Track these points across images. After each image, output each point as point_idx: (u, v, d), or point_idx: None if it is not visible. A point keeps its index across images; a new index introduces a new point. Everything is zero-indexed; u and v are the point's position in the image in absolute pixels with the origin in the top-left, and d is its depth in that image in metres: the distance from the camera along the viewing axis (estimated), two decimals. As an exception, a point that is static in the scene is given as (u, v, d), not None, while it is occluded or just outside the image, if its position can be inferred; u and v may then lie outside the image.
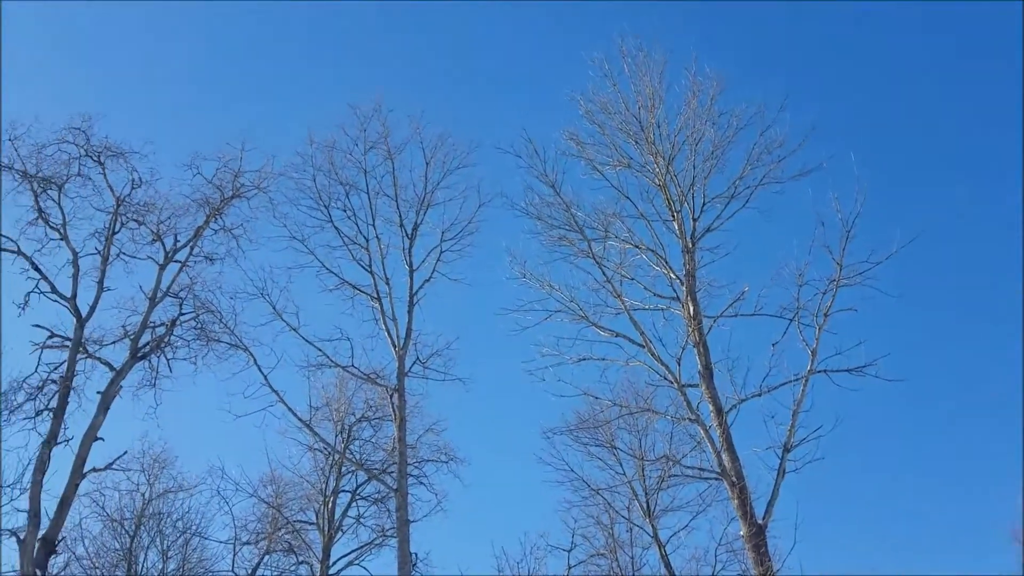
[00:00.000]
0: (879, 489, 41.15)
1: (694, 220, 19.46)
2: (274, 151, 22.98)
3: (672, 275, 19.16)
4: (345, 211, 22.03)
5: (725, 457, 16.69)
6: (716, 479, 17.76)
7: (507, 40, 52.17)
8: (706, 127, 19.66)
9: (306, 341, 20.63)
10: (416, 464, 25.45)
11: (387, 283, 21.72)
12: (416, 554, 20.95)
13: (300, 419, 21.84)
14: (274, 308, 20.48)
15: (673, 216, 19.62)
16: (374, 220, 22.16)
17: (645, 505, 24.07)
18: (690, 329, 18.18)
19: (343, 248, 21.83)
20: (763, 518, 16.01)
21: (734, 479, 16.36)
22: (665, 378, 18.21)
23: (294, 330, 20.51)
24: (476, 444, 45.68)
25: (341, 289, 21.62)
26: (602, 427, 23.33)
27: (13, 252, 20.49)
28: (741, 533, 16.50)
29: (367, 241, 21.93)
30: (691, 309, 18.43)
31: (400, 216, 22.28)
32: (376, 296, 21.48)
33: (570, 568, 25.02)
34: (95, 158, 21.35)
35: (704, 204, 19.54)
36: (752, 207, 19.51)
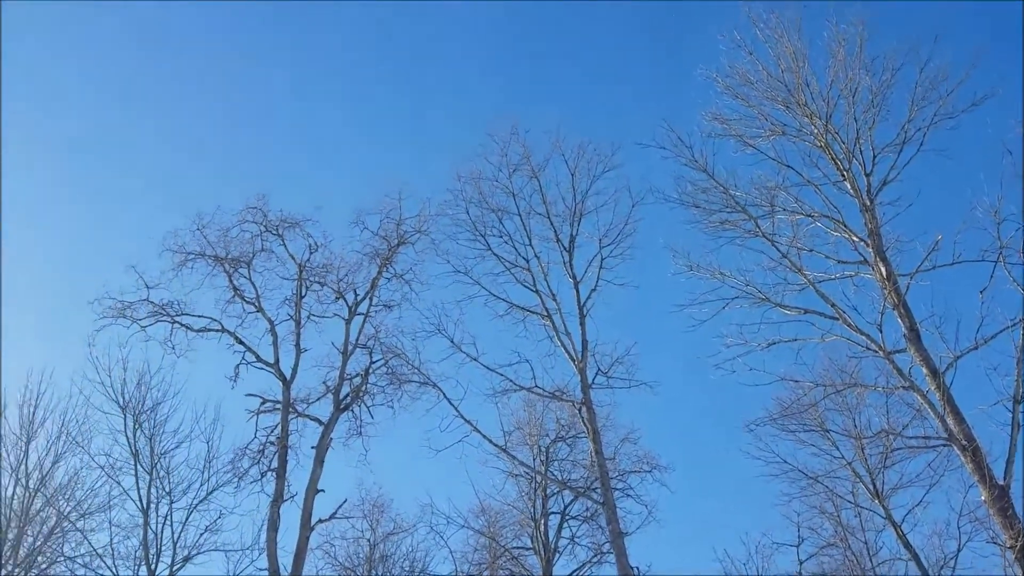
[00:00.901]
0: None
1: (867, 176, 18.26)
2: (427, 192, 23.83)
3: (854, 238, 18.02)
4: (501, 236, 22.42)
5: (950, 421, 15.33)
6: (944, 446, 16.29)
7: (595, 38, 51.16)
8: (859, 75, 18.49)
9: (488, 369, 21.05)
10: (619, 476, 25.30)
11: (554, 299, 21.80)
12: (637, 567, 20.60)
13: (496, 445, 22.25)
14: (452, 342, 21.09)
15: (843, 176, 18.48)
16: (531, 240, 22.41)
17: (871, 486, 22.45)
18: (886, 291, 16.93)
19: (506, 273, 22.18)
20: (1004, 479, 14.57)
21: (964, 442, 14.96)
22: (868, 348, 17.15)
23: (474, 360, 20.99)
24: (676, 448, 44.47)
25: (511, 313, 21.96)
26: (808, 411, 22.03)
27: (218, 330, 22.35)
28: (982, 498, 14.95)
29: (527, 262, 22.17)
30: (883, 270, 17.17)
31: (555, 231, 22.38)
32: (546, 314, 21.57)
33: (801, 564, 23.71)
34: (274, 231, 23.07)
35: (875, 157, 18.34)
36: (928, 149, 18.12)
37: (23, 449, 23.43)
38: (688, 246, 19.46)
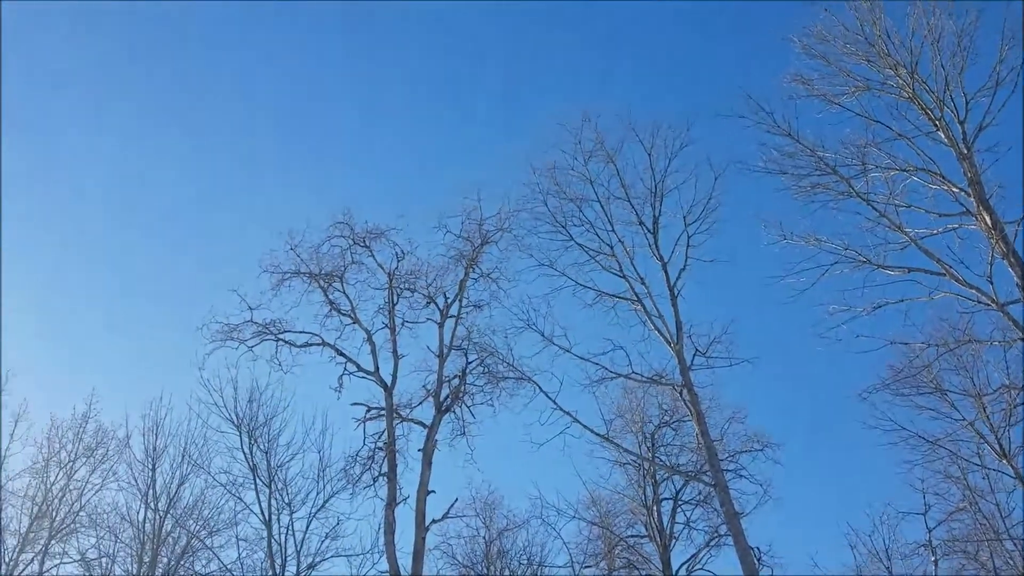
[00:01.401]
0: None
1: (961, 123, 17.50)
2: (505, 188, 23.94)
3: (954, 189, 17.27)
4: (583, 225, 22.30)
5: (1075, 369, 14.40)
6: (1074, 396, 15.34)
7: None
8: (942, 20, 17.62)
9: (582, 359, 21.01)
10: (730, 457, 24.87)
11: (643, 283, 21.54)
12: (757, 548, 20.20)
13: (599, 435, 22.19)
14: (543, 335, 21.19)
15: (935, 125, 17.72)
16: (613, 226, 22.19)
17: (997, 445, 21.42)
18: (993, 241, 16.19)
19: (591, 261, 22.04)
20: None
21: (1093, 391, 14.03)
22: (979, 302, 16.49)
23: (567, 351, 21.00)
24: (786, 424, 43.25)
25: (600, 301, 21.81)
26: (922, 373, 21.25)
27: (319, 344, 23.01)
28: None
29: (611, 248, 21.97)
30: (987, 219, 16.38)
31: (637, 214, 22.11)
32: (636, 299, 21.34)
33: (930, 532, 22.82)
34: (362, 244, 23.55)
35: (967, 103, 17.57)
36: (1024, 89, 16.99)
37: (150, 474, 24.85)
38: (779, 215, 19.07)
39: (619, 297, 21.68)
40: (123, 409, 35.10)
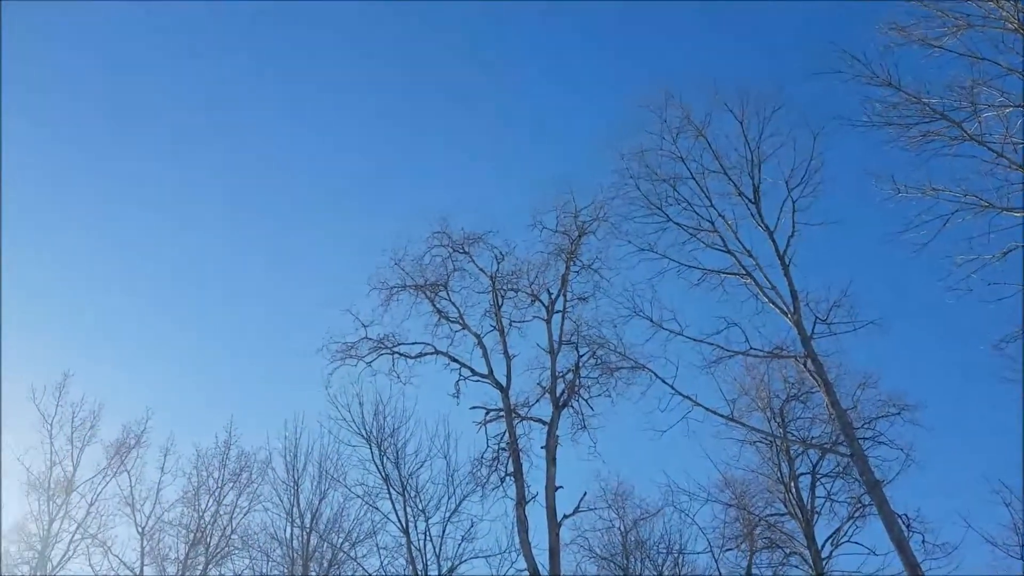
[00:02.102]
0: None
1: (1076, 48, 15.88)
2: (595, 178, 23.68)
3: (1077, 117, 15.72)
4: (679, 204, 21.76)
5: None
6: None
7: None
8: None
9: (695, 340, 20.53)
10: (865, 425, 23.80)
11: (750, 255, 20.85)
12: (905, 515, 19.27)
13: (723, 416, 21.53)
14: (652, 321, 20.81)
15: (1049, 54, 16.20)
16: (711, 200, 21.57)
17: None
18: None
19: (692, 240, 21.52)
20: None
21: None
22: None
23: (679, 334, 20.54)
24: (924, 384, 40.68)
25: (707, 279, 21.26)
26: (1068, 316, 19.50)
27: (432, 353, 23.49)
28: None
29: (712, 224, 21.36)
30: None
31: (735, 185, 21.40)
32: (744, 272, 20.67)
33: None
34: (461, 250, 23.89)
35: (1083, 25, 15.87)
36: None
37: (293, 493, 25.96)
38: (890, 168, 17.98)
39: (727, 273, 21.11)
40: (261, 433, 36.75)
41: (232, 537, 26.05)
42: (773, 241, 20.74)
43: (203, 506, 26.52)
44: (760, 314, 20.59)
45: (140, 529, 25.62)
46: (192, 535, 25.60)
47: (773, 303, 20.26)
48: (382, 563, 24.45)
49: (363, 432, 25.18)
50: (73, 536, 25.17)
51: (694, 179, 21.75)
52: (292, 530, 25.31)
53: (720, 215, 21.39)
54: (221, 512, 26.43)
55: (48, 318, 43.11)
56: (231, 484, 26.93)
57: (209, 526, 25.99)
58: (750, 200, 21.22)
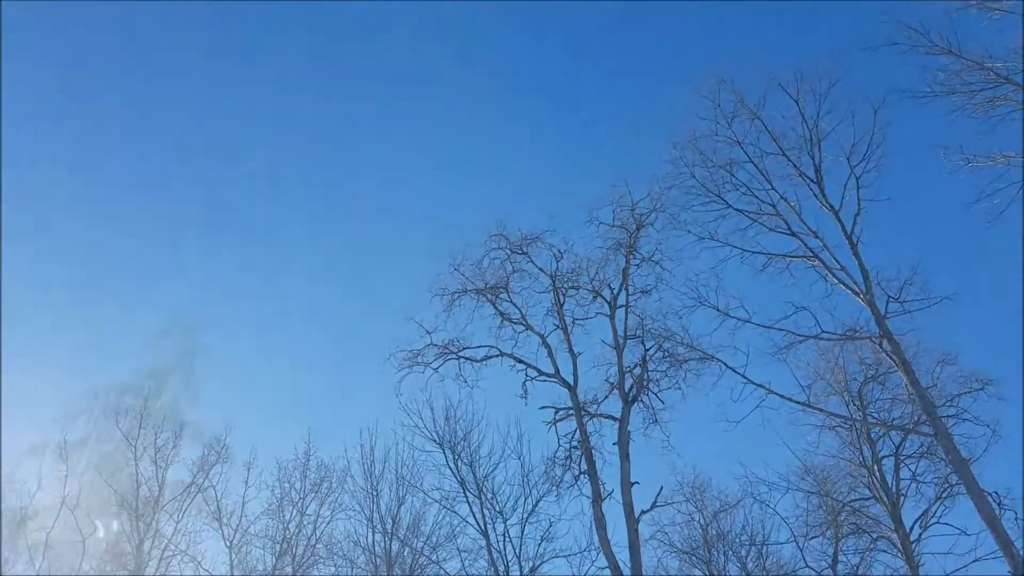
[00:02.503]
0: None
1: None
2: (649, 169, 23.46)
3: None
4: (737, 189, 21.46)
5: None
6: None
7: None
8: None
9: (764, 327, 20.18)
10: (948, 402, 23.05)
11: (816, 236, 20.47)
12: (995, 492, 18.68)
13: (799, 402, 21.12)
14: (718, 310, 20.57)
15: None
16: (771, 183, 21.23)
17: None
18: None
19: (754, 225, 21.20)
20: None
21: None
22: None
23: (747, 322, 20.24)
24: (1009, 357, 38.84)
25: (772, 264, 20.90)
26: None
27: (498, 356, 23.59)
28: None
29: (774, 207, 21.01)
30: None
31: (795, 165, 21.01)
32: (811, 254, 20.26)
33: None
34: (519, 251, 23.94)
35: None
36: None
37: (374, 500, 26.41)
38: (957, 138, 17.43)
39: (793, 256, 20.76)
40: (337, 443, 37.41)
41: (317, 546, 26.58)
42: (839, 220, 20.34)
43: (287, 517, 27.08)
44: (830, 296, 20.26)
45: (228, 543, 26.33)
46: (278, 546, 26.21)
47: (843, 284, 19.83)
48: (463, 565, 24.69)
49: (435, 437, 25.47)
50: (164, 553, 25.99)
51: (752, 162, 21.46)
52: (374, 536, 25.74)
53: (782, 197, 21.07)
54: (304, 522, 27.00)
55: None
56: (312, 494, 27.45)
57: (294, 536, 26.53)
58: (812, 180, 20.83)
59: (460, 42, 50.71)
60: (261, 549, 26.16)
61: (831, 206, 20.50)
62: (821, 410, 22.85)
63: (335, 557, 26.53)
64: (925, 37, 17.64)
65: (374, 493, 26.49)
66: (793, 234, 20.69)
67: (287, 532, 26.71)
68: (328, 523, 27.13)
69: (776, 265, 20.88)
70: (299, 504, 27.32)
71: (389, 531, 25.82)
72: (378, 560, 25.41)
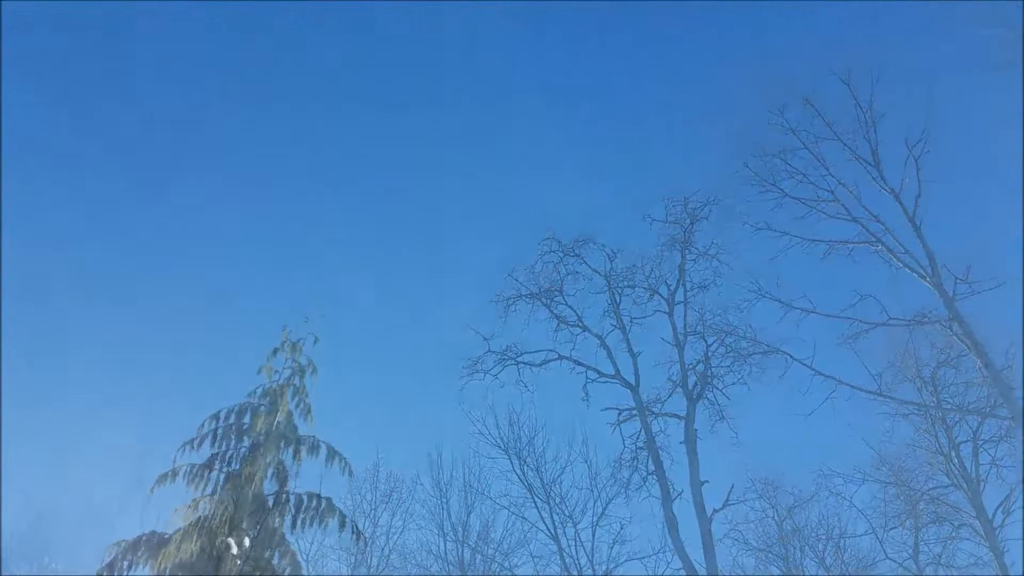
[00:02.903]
0: None
1: None
2: (700, 162, 23.16)
3: None
4: (793, 177, 21.10)
5: None
6: None
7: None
8: None
9: (829, 316, 19.77)
10: (1026, 383, 22.14)
11: (878, 221, 20.04)
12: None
13: (870, 392, 20.68)
14: (780, 302, 20.25)
15: None
16: (828, 170, 20.82)
17: None
18: None
19: (812, 212, 20.84)
20: None
21: None
22: None
23: (811, 312, 19.88)
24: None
25: (834, 251, 20.48)
26: None
27: (556, 359, 23.54)
28: None
29: (831, 193, 20.59)
30: None
31: (851, 150, 20.55)
32: (874, 239, 19.80)
33: None
34: (572, 253, 23.89)
35: None
36: None
37: (444, 507, 26.65)
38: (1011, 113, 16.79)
39: (855, 242, 20.34)
40: (405, 454, 37.79)
41: (390, 556, 26.90)
42: (900, 203, 19.87)
43: (360, 528, 27.46)
44: (895, 282, 19.85)
45: (305, 556, 26.84)
46: (353, 557, 26.60)
47: (909, 268, 19.36)
48: (536, 570, 24.73)
49: (500, 443, 25.63)
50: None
51: (807, 148, 21.06)
52: (445, 544, 25.95)
53: (840, 183, 20.66)
54: (377, 533, 27.35)
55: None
56: (384, 504, 27.82)
57: (368, 547, 26.94)
58: (870, 163, 20.39)
59: (495, 46, 50.85)
60: (336, 561, 26.57)
61: (891, 189, 20.06)
62: (894, 398, 22.30)
63: (408, 566, 26.82)
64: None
65: (444, 501, 26.75)
66: (854, 219, 20.33)
67: (361, 543, 27.04)
68: (400, 534, 27.46)
69: (838, 252, 20.52)
70: (371, 515, 27.69)
71: (460, 539, 26.01)
72: (452, 568, 25.60)
